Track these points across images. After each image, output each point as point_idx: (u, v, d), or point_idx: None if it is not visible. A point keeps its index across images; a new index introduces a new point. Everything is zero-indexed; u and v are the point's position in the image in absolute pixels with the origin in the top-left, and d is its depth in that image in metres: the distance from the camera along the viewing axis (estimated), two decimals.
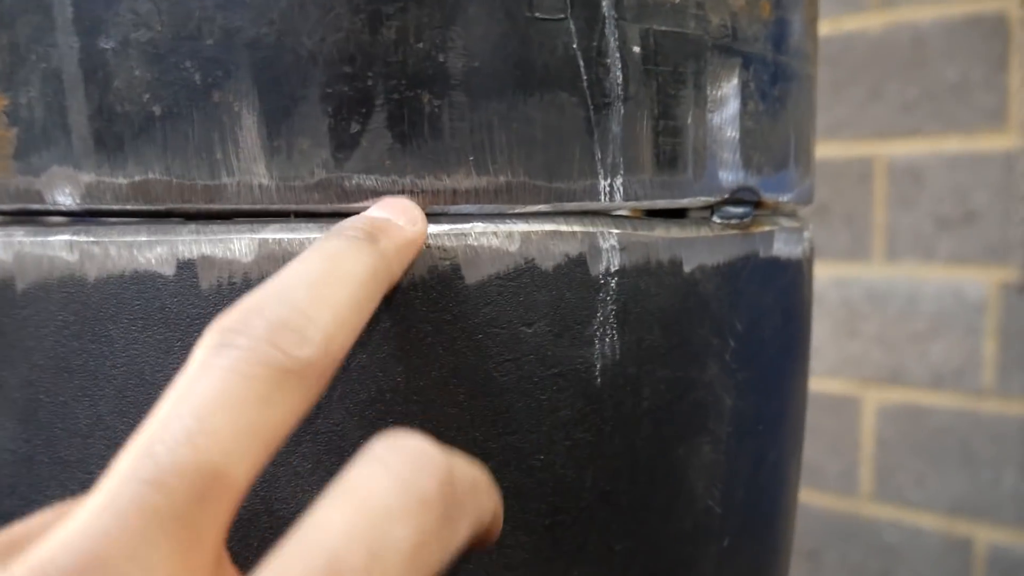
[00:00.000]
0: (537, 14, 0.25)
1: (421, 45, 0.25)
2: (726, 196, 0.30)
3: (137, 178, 0.25)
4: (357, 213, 0.25)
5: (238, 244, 0.25)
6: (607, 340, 0.27)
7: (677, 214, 0.30)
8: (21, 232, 0.26)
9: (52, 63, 0.25)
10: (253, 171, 0.25)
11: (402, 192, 0.25)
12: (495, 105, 0.25)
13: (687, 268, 0.28)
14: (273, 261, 0.25)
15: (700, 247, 0.29)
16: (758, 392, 0.31)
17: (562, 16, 0.26)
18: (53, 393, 0.26)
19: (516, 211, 0.26)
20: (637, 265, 0.27)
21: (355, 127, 0.25)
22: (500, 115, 0.25)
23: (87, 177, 0.25)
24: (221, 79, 0.24)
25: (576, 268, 0.26)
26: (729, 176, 0.30)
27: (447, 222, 0.25)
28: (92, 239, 0.25)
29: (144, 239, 0.25)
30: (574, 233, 0.26)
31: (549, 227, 0.26)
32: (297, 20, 0.24)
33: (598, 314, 0.27)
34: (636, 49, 0.27)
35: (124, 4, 0.24)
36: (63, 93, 0.25)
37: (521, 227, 0.26)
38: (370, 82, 0.24)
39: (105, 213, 0.26)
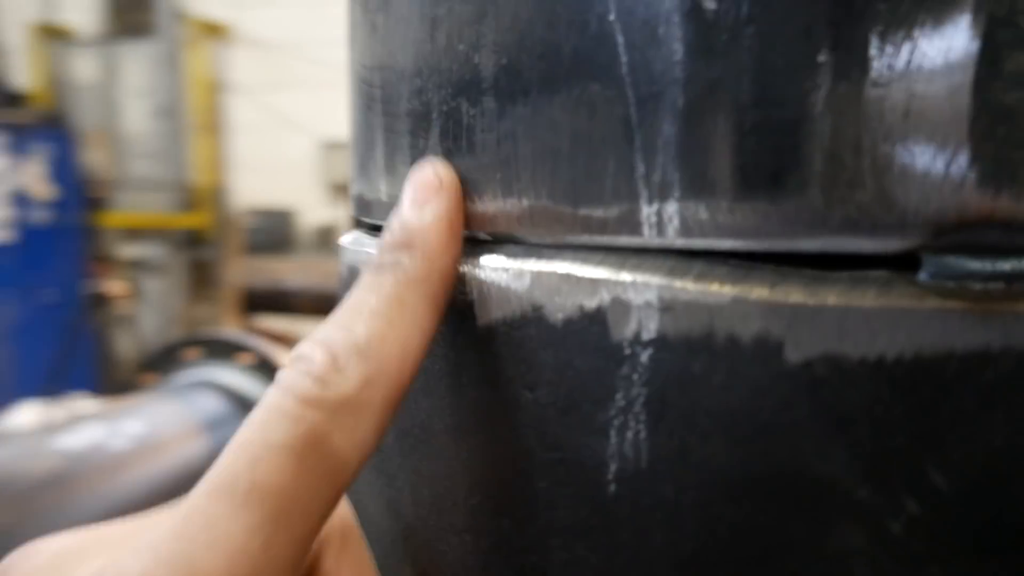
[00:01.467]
0: None
1: (462, 47, 0.22)
2: (925, 238, 0.16)
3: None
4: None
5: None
6: (629, 435, 0.19)
7: (851, 262, 0.17)
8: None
9: None
10: (379, 189, 0.26)
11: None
12: (520, 109, 0.20)
13: (794, 355, 0.17)
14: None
15: (832, 323, 0.17)
16: None
17: None
18: None
19: (538, 243, 0.20)
20: (688, 337, 0.18)
21: (422, 143, 0.23)
22: (525, 122, 0.20)
23: None
24: (367, 104, 0.26)
25: (591, 327, 0.19)
26: (940, 198, 0.16)
27: (474, 252, 0.22)
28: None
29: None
30: (593, 279, 0.19)
31: (567, 267, 0.20)
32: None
33: (617, 395, 0.19)
34: (710, 4, 0.17)
35: None
36: None
37: (537, 265, 0.20)
38: (430, 94, 0.23)
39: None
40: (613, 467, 0.19)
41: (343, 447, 0.19)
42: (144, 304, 3.62)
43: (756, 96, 0.17)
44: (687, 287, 0.18)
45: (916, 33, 0.16)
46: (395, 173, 0.25)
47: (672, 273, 0.18)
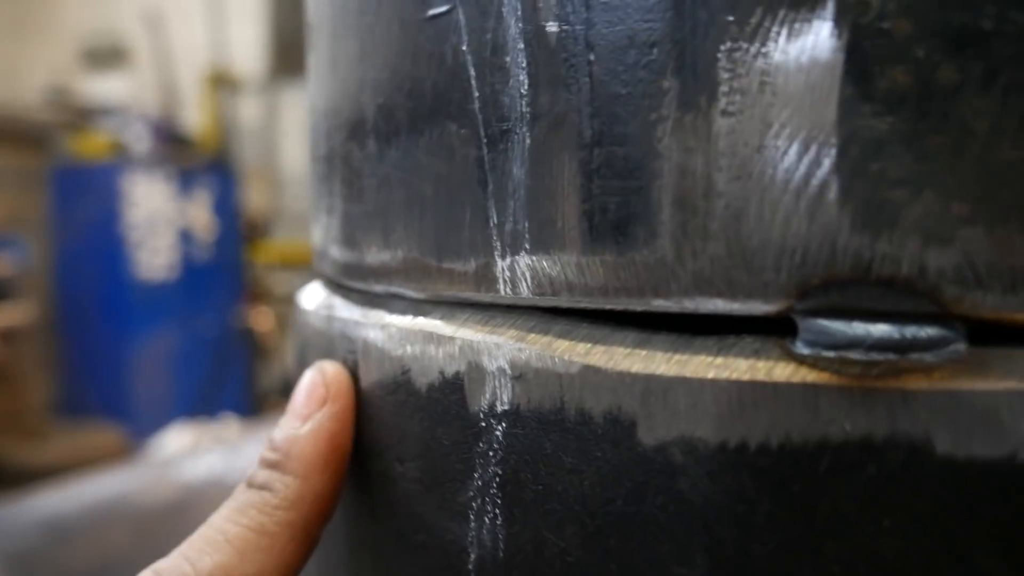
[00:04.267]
0: (429, 12, 0.17)
1: (352, 86, 0.20)
2: (795, 300, 0.13)
3: None
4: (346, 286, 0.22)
5: None
6: (486, 520, 0.16)
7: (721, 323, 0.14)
8: None
9: None
10: (316, 235, 0.25)
11: (341, 264, 0.21)
12: (394, 152, 0.18)
13: (647, 437, 0.14)
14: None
15: (688, 400, 0.14)
16: None
17: (450, 6, 0.17)
18: None
19: (412, 299, 0.18)
20: (539, 410, 0.15)
21: (329, 189, 0.22)
22: (398, 165, 0.18)
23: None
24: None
25: (451, 395, 0.17)
26: (818, 252, 0.13)
27: (365, 306, 0.20)
28: None
29: None
30: (453, 339, 0.17)
31: (432, 326, 0.17)
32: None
33: (476, 474, 0.16)
34: (552, 29, 0.15)
35: None
36: None
37: (406, 322, 0.18)
38: (334, 137, 0.21)
39: None
40: (472, 556, 0.16)
41: None
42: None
43: (600, 131, 0.14)
44: (539, 352, 0.15)
45: (770, 48, 0.13)
46: (318, 221, 0.23)
47: (527, 335, 0.16)
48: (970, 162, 0.12)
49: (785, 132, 0.13)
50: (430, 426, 0.17)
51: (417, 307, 0.18)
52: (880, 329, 0.13)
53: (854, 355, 0.13)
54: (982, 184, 0.12)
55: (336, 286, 0.23)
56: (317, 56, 0.23)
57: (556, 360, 0.15)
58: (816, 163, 0.13)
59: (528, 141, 0.15)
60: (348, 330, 0.20)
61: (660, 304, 0.14)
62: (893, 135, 0.12)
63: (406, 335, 0.18)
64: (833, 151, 0.13)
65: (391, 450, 0.18)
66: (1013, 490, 0.12)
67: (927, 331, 0.12)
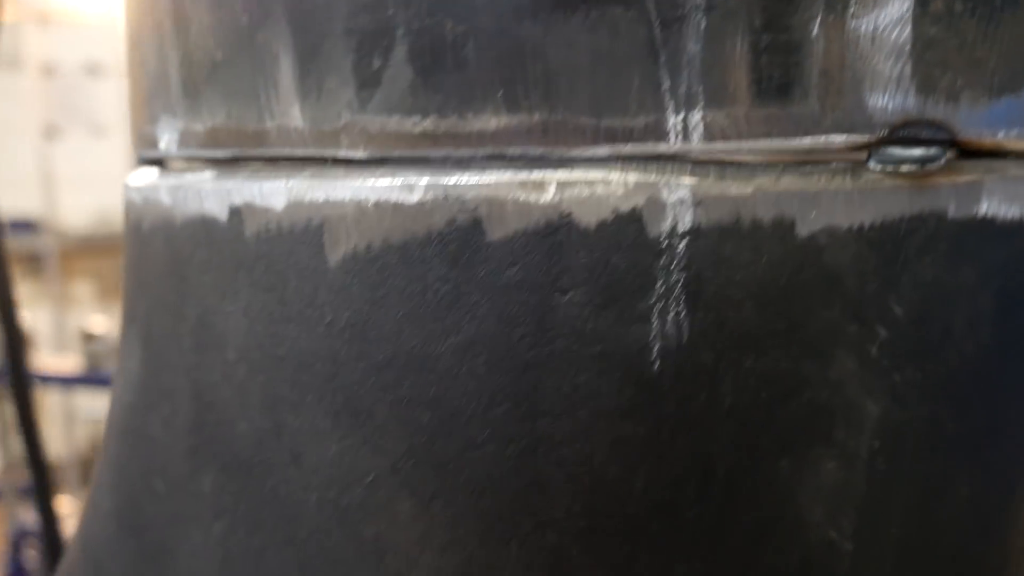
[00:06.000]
0: None
1: None
2: (884, 134, 0.22)
3: (209, 124, 0.26)
4: (384, 160, 0.23)
5: (273, 192, 0.24)
6: (670, 317, 0.22)
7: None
8: (153, 175, 0.29)
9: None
10: (290, 114, 0.24)
11: (422, 134, 0.22)
12: (528, 29, 0.21)
13: (803, 230, 0.22)
14: (302, 210, 0.23)
15: (828, 202, 0.22)
16: (938, 401, 0.23)
17: None
18: (158, 326, 0.28)
19: (556, 156, 0.22)
20: (719, 224, 0.21)
21: (377, 63, 0.22)
22: (534, 41, 0.21)
23: (180, 124, 0.27)
24: (261, 19, 0.24)
25: (628, 227, 0.21)
26: (892, 104, 0.22)
27: (473, 169, 0.22)
28: (177, 184, 0.27)
29: (209, 187, 0.26)
30: (626, 183, 0.21)
31: (594, 175, 0.21)
32: None
33: (658, 284, 0.21)
34: None
35: None
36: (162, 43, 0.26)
37: (560, 175, 0.22)
38: (391, 11, 0.22)
39: (193, 158, 0.27)
40: (656, 347, 0.22)
41: None
42: None
43: (766, 22, 0.21)
44: (715, 183, 0.21)
45: None
46: (321, 94, 0.23)
47: (704, 173, 0.21)
48: (964, 56, 0.22)
49: (886, 31, 0.21)
50: (602, 256, 0.21)
51: (559, 163, 0.22)
52: (918, 151, 0.22)
53: (904, 167, 0.22)
54: (968, 70, 0.22)
55: (360, 162, 0.23)
56: None
57: (731, 186, 0.21)
58: (900, 51, 0.21)
59: (704, 24, 0.21)
60: (457, 193, 0.22)
61: (806, 143, 0.21)
62: (936, 39, 0.22)
63: (563, 185, 0.21)
64: (908, 45, 0.21)
65: (547, 286, 0.22)
66: (975, 229, 0.23)
67: (935, 150, 0.22)
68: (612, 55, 0.21)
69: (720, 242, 0.21)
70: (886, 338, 0.22)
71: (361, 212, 0.23)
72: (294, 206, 0.24)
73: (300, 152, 0.24)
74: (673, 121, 0.21)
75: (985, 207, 0.23)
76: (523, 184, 0.22)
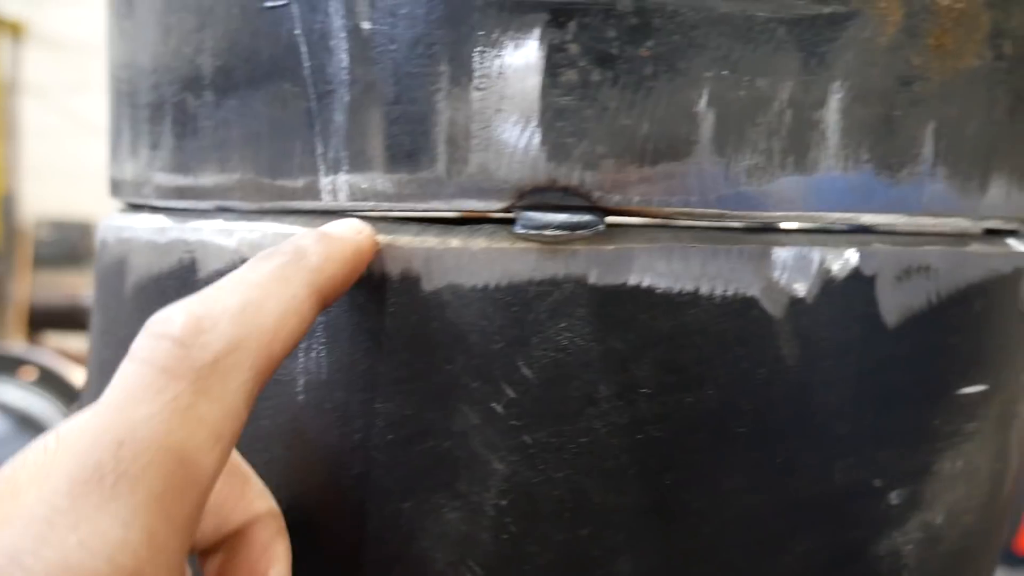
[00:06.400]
0: (266, 3, 0.24)
1: (187, 50, 0.26)
2: (514, 200, 0.23)
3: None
4: (161, 209, 0.28)
5: (106, 230, 0.30)
6: (312, 355, 0.24)
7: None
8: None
9: None
10: (125, 170, 0.30)
11: (176, 189, 0.27)
12: (232, 102, 0.25)
13: (428, 286, 0.23)
14: (118, 247, 0.29)
15: (452, 261, 0.23)
16: (580, 471, 0.23)
17: (286, 1, 0.24)
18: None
19: (245, 208, 0.26)
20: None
21: (156, 130, 0.28)
22: (235, 111, 0.25)
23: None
24: (116, 101, 0.30)
25: None
26: (521, 171, 0.22)
27: (196, 218, 0.27)
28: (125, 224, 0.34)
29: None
30: (287, 235, 0.24)
31: (271, 227, 0.25)
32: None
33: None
34: (366, 26, 0.23)
35: None
36: None
37: (244, 225, 0.25)
38: (163, 88, 0.27)
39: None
40: (302, 381, 0.24)
41: (212, 417, 0.18)
42: None
43: (398, 94, 0.23)
44: None
45: (504, 53, 0.22)
46: (138, 156, 0.29)
47: None
48: (605, 125, 0.22)
49: (512, 101, 0.22)
50: None
51: (249, 216, 0.26)
52: (561, 217, 0.23)
53: (547, 232, 0.23)
54: (611, 138, 0.22)
55: (152, 208, 0.29)
56: (137, 23, 0.28)
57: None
58: (527, 120, 0.22)
59: (347, 98, 0.23)
60: (183, 235, 0.26)
61: (436, 205, 0.23)
62: (568, 108, 0.22)
63: (245, 236, 0.25)
64: (536, 115, 0.22)
65: None
66: (625, 298, 0.22)
67: (585, 217, 0.23)
68: (283, 125, 0.24)
69: (353, 291, 0.23)
70: (514, 398, 0.23)
71: (142, 249, 0.28)
72: (114, 243, 0.30)
73: (127, 199, 0.30)
74: (324, 182, 0.24)
75: (638, 277, 0.22)
76: (220, 231, 0.26)
